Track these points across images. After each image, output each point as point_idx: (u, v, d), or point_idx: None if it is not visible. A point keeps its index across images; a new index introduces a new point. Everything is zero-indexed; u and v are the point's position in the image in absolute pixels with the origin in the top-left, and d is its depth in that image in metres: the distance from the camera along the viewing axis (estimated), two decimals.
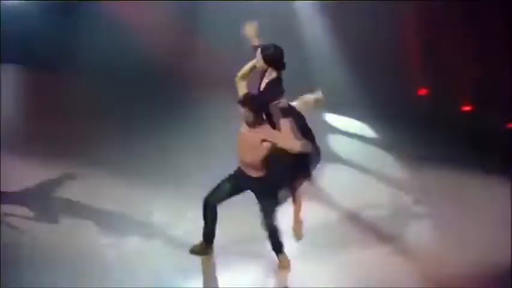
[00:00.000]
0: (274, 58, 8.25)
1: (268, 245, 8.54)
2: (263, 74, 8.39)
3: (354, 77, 15.53)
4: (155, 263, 8.49)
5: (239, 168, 8.38)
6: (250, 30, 8.62)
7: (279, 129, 8.07)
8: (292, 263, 8.66)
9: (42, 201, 9.87)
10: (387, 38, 15.56)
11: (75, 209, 9.61)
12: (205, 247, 8.47)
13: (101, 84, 14.88)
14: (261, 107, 8.24)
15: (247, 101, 8.07)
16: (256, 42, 8.56)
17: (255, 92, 8.31)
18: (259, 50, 8.26)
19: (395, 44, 15.67)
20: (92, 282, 8.02)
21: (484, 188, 11.90)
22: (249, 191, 8.45)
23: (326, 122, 14.63)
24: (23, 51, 15.33)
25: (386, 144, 13.83)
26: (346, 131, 14.43)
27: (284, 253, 8.58)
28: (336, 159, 12.90)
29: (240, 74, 8.33)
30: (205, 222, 8.37)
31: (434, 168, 12.59)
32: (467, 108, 14.79)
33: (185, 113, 13.26)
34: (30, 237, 8.91)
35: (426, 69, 15.56)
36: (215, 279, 8.45)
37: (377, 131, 14.45)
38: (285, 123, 8.08)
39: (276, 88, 8.33)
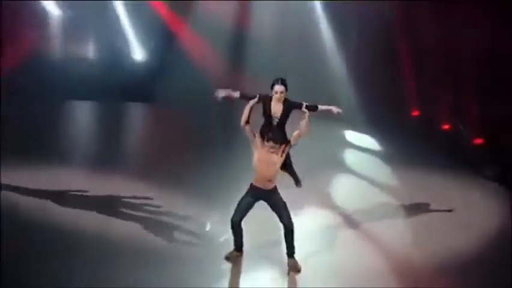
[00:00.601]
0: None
1: (283, 249, 8.28)
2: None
3: (364, 101, 15.91)
4: (199, 260, 8.35)
5: (252, 185, 8.08)
6: (222, 93, 8.52)
7: (306, 122, 8.03)
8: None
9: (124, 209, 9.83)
10: (391, 74, 16.08)
11: (150, 216, 9.58)
12: (236, 254, 8.31)
13: (189, 116, 15.22)
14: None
15: (279, 139, 7.97)
16: (236, 94, 8.50)
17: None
18: (257, 97, 8.28)
19: (397, 77, 16.14)
20: (149, 273, 7.97)
21: (458, 188, 11.92)
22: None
23: (342, 137, 14.91)
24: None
25: (386, 154, 13.92)
26: (356, 143, 14.62)
27: (294, 257, 8.26)
28: (345, 168, 12.85)
29: (243, 120, 8.05)
30: (235, 236, 8.21)
31: (420, 173, 12.48)
32: (446, 126, 14.97)
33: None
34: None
35: (418, 96, 15.90)
36: (240, 278, 8.23)
37: (380, 143, 14.61)
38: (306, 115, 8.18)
39: (293, 103, 8.51)
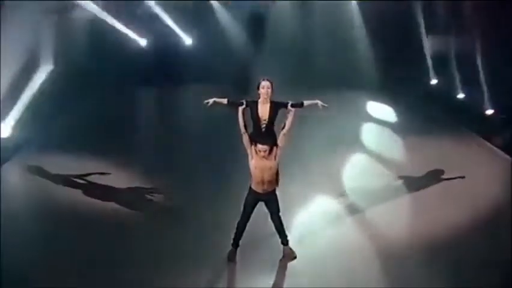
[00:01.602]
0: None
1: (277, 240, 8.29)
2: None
3: (389, 74, 16.02)
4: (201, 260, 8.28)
5: (251, 189, 8.12)
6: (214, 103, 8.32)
7: (291, 118, 7.98)
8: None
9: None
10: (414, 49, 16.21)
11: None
12: (234, 252, 8.28)
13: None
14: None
15: (269, 144, 7.95)
16: (224, 101, 8.28)
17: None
18: (244, 102, 8.13)
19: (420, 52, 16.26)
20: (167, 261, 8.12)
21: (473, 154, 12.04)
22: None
23: (365, 110, 14.95)
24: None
25: (404, 123, 13.89)
26: (376, 115, 14.54)
27: (289, 245, 8.27)
28: (363, 140, 12.78)
29: (242, 128, 7.99)
30: (238, 238, 8.24)
31: (433, 143, 12.38)
32: (460, 96, 14.91)
33: None
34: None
35: (437, 66, 15.97)
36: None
37: (399, 114, 14.55)
38: (292, 112, 8.06)
39: (279, 103, 8.21)
